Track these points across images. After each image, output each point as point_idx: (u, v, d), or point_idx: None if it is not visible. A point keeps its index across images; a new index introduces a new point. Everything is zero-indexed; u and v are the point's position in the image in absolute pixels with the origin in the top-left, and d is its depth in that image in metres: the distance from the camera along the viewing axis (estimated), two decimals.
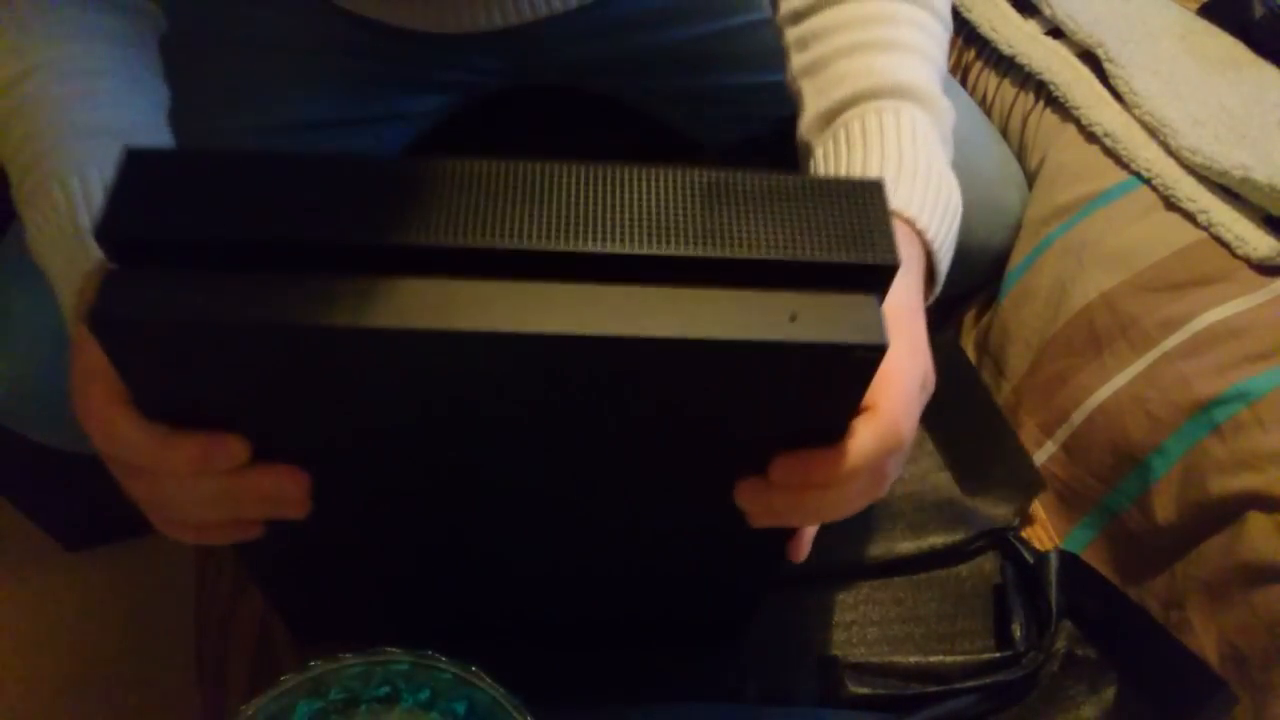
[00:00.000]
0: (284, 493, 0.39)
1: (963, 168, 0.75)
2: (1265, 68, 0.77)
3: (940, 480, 0.63)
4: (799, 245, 0.32)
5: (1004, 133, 0.85)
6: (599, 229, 0.31)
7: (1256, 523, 0.59)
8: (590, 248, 0.31)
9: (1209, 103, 0.74)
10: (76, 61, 0.48)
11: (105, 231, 0.31)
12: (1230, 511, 0.61)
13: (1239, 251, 0.67)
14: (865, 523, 0.61)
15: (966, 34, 0.90)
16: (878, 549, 0.60)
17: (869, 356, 0.32)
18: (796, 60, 0.52)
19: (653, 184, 0.33)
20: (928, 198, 0.46)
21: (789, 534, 0.45)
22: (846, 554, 0.59)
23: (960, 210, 0.48)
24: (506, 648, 0.50)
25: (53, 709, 1.03)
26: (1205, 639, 0.61)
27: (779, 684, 0.54)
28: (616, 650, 0.55)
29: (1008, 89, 0.85)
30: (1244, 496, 0.60)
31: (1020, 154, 0.83)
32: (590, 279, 0.31)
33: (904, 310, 0.41)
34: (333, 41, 0.71)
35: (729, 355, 0.32)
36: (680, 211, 0.32)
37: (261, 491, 0.38)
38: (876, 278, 0.33)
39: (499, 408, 0.36)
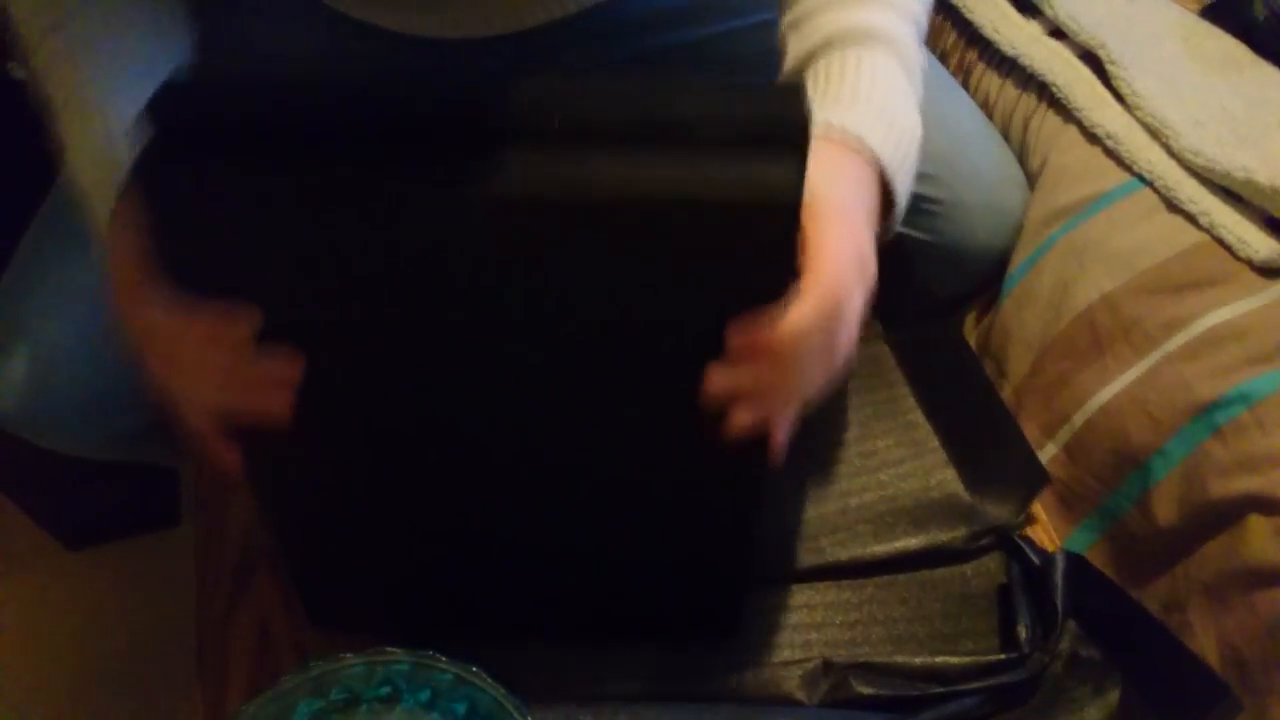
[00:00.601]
0: (281, 375, 0.42)
1: (963, 169, 0.76)
2: (1267, 69, 0.77)
3: (945, 476, 0.62)
4: (721, 116, 0.36)
5: (1005, 134, 0.85)
6: (554, 105, 0.36)
7: (1257, 525, 0.59)
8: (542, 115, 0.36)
9: (1211, 104, 0.74)
10: (109, 8, 0.52)
11: (155, 106, 0.36)
12: (1231, 514, 0.61)
13: (1241, 253, 0.67)
14: (869, 518, 0.61)
15: (969, 35, 0.90)
16: (882, 546, 0.60)
17: (788, 206, 0.35)
18: (786, 17, 0.56)
19: (600, 78, 0.38)
20: (879, 122, 0.48)
21: (763, 467, 0.46)
22: (850, 551, 0.60)
23: (919, 138, 0.52)
24: (507, 638, 0.50)
25: (53, 708, 1.03)
26: (1206, 642, 0.61)
27: (782, 683, 0.54)
28: (616, 648, 0.55)
29: (1010, 90, 0.85)
30: (1245, 499, 0.60)
31: (1022, 155, 0.83)
32: (546, 147, 0.36)
33: (842, 207, 0.44)
34: (337, 54, 0.71)
35: (655, 210, 0.36)
36: (620, 95, 0.37)
37: (262, 373, 0.42)
38: (794, 143, 0.36)
39: (472, 276, 0.39)
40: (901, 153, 0.49)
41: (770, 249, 0.38)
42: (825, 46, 0.52)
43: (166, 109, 0.36)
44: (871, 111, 0.48)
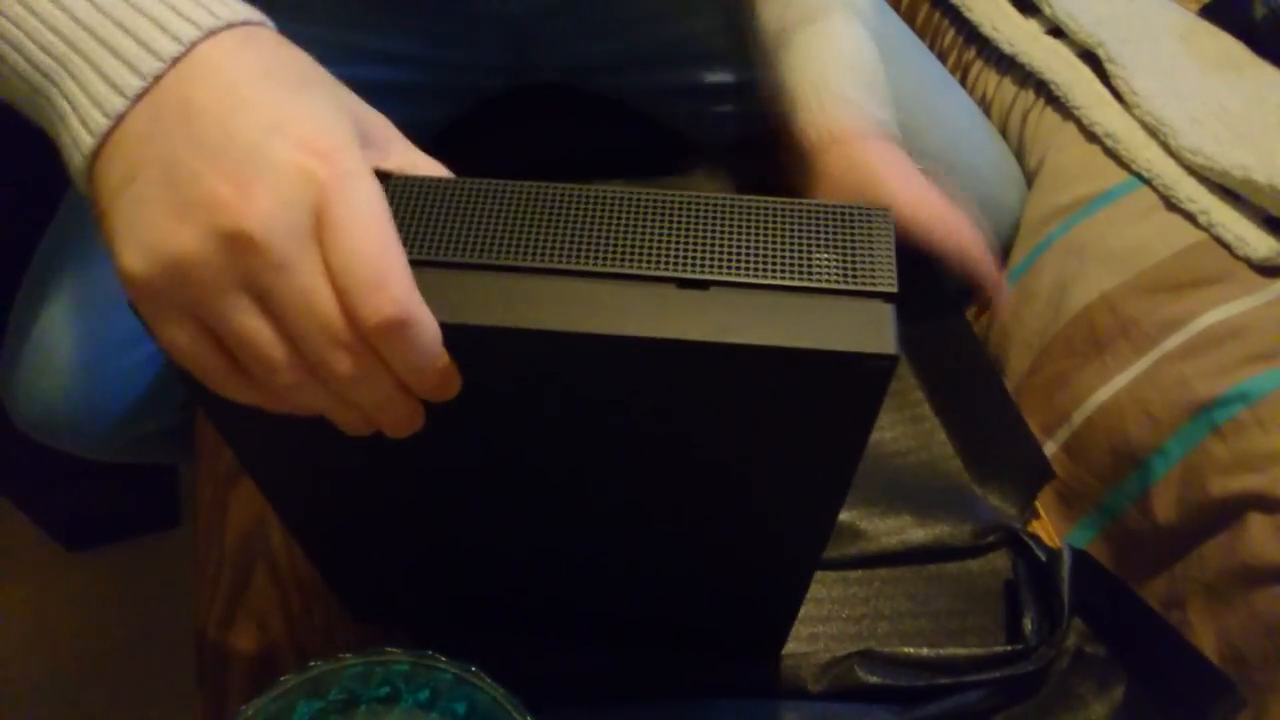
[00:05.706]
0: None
1: (961, 166, 0.76)
2: (1266, 68, 0.77)
3: (950, 468, 0.62)
4: (805, 275, 0.33)
5: (1003, 132, 0.85)
6: (623, 252, 0.33)
7: (1257, 524, 0.59)
8: (613, 268, 0.33)
9: (1209, 103, 0.74)
10: None
11: None
12: (1230, 512, 0.61)
13: (1239, 252, 0.67)
14: (874, 512, 0.61)
15: (967, 33, 0.90)
16: (889, 539, 0.59)
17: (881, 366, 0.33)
18: None
19: (671, 205, 0.34)
20: (888, 103, 0.61)
21: (816, 545, 0.45)
22: (856, 545, 0.59)
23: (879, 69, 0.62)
24: (541, 639, 0.51)
25: (53, 709, 1.03)
26: (1205, 640, 0.61)
27: (787, 674, 0.54)
28: (632, 649, 0.55)
29: (1008, 88, 0.85)
30: (1244, 497, 0.60)
31: (1020, 153, 0.83)
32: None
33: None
34: (341, 19, 0.71)
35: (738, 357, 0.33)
36: (696, 230, 0.34)
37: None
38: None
39: (551, 406, 0.37)
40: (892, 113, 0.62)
41: (853, 406, 0.37)
42: (810, 17, 0.60)
43: None
44: (880, 94, 0.61)
